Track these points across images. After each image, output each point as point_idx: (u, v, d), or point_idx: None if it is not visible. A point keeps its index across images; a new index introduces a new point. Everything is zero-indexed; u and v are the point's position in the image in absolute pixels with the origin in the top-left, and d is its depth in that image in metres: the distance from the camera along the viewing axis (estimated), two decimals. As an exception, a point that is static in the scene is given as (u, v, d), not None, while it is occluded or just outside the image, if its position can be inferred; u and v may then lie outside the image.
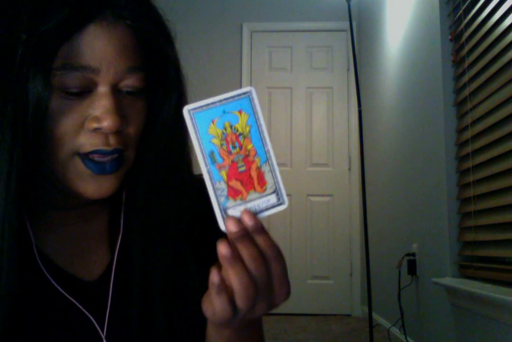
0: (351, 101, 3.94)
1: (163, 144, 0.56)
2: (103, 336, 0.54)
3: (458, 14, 2.03)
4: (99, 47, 0.48)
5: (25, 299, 0.52)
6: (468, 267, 1.90)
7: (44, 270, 0.54)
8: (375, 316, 3.13)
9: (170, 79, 0.56)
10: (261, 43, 4.08)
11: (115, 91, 0.51)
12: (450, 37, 2.09)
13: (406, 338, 2.44)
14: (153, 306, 0.55)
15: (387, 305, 2.95)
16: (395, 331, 2.64)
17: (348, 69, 3.98)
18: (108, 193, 0.52)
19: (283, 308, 3.21)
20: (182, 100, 0.57)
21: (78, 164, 0.50)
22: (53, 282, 0.54)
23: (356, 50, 2.86)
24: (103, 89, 0.50)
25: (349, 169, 3.90)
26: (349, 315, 3.72)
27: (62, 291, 0.54)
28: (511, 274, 1.59)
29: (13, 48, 0.46)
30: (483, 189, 1.79)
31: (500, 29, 1.68)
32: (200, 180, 0.67)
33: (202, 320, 0.58)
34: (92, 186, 0.51)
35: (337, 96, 4.00)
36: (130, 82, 0.51)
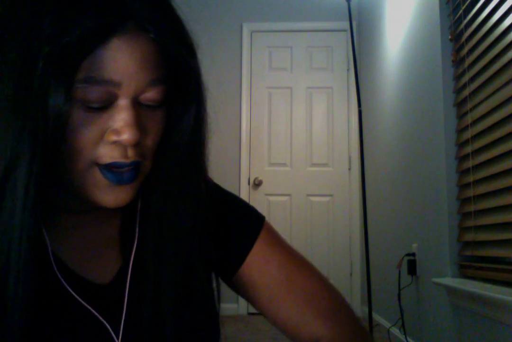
0: (351, 101, 3.94)
1: (180, 154, 0.56)
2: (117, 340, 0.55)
3: (458, 14, 2.03)
4: (121, 61, 0.48)
5: (39, 304, 0.52)
6: (468, 267, 1.90)
7: (59, 274, 0.55)
8: (375, 316, 3.13)
9: (191, 91, 0.55)
10: (261, 43, 4.08)
11: (135, 104, 0.51)
12: (450, 37, 2.09)
13: (406, 338, 2.44)
14: (165, 312, 0.56)
15: (387, 305, 2.95)
16: (395, 331, 2.64)
17: (348, 69, 3.98)
18: (124, 202, 0.53)
19: (283, 308, 3.07)
20: (201, 111, 0.58)
21: (97, 175, 0.51)
22: (68, 287, 0.54)
23: (356, 50, 2.86)
24: (123, 102, 0.50)
25: (349, 169, 3.90)
26: (349, 315, 3.71)
27: (76, 296, 0.54)
28: (511, 274, 1.59)
29: (34, 60, 0.45)
30: (483, 189, 1.79)
31: (500, 29, 1.68)
32: (215, 186, 0.69)
33: (211, 326, 0.59)
34: (109, 195, 0.52)
35: (337, 96, 4.00)
36: (151, 95, 0.51)
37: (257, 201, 3.89)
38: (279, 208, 3.89)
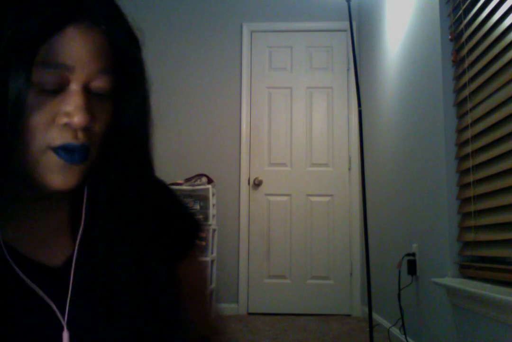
0: (351, 101, 3.94)
1: (126, 144, 0.60)
2: (63, 322, 0.56)
3: (458, 14, 2.03)
4: (75, 48, 0.52)
5: None
6: (468, 267, 1.90)
7: (8, 257, 0.57)
8: (375, 316, 3.13)
9: (136, 82, 0.59)
10: (261, 43, 4.08)
11: (86, 90, 0.55)
12: (450, 37, 2.09)
13: (406, 338, 2.44)
14: (115, 294, 0.58)
15: (387, 305, 2.95)
16: (395, 331, 2.64)
17: (348, 69, 3.98)
18: (72, 184, 0.56)
19: (283, 308, 3.24)
20: (146, 103, 0.61)
21: (49, 155, 0.54)
22: (15, 268, 0.56)
23: (356, 50, 2.86)
24: (75, 87, 0.53)
25: (349, 169, 3.90)
26: (349, 315, 3.72)
27: (23, 276, 0.56)
28: (511, 274, 1.59)
29: None
30: (483, 189, 1.79)
31: (500, 29, 1.68)
32: (164, 184, 0.72)
33: (164, 307, 0.62)
34: (59, 177, 0.55)
35: (337, 96, 4.00)
36: (100, 83, 0.55)
37: (257, 201, 3.89)
38: (279, 208, 3.89)
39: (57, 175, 0.55)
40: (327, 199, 3.90)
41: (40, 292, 0.56)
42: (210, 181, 3.59)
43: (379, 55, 3.33)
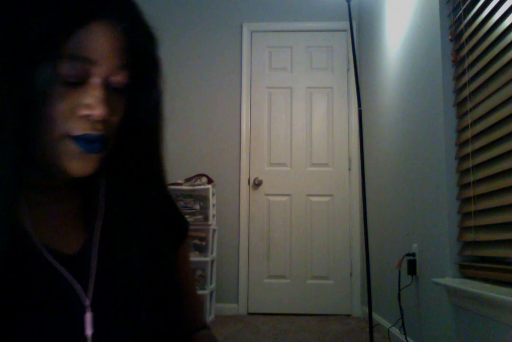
0: (351, 101, 3.94)
1: (139, 137, 0.63)
2: (86, 305, 0.58)
3: (458, 14, 2.03)
4: (98, 43, 0.55)
5: (10, 267, 0.55)
6: (468, 267, 1.90)
7: (36, 243, 0.58)
8: (375, 316, 3.13)
9: (152, 79, 0.62)
10: (261, 43, 4.08)
11: (106, 84, 0.57)
12: (450, 37, 2.09)
13: (406, 338, 2.44)
14: (133, 279, 0.61)
15: (387, 305, 2.95)
16: (395, 331, 2.64)
17: (348, 69, 3.98)
18: (89, 171, 0.59)
19: (283, 308, 3.23)
20: (159, 99, 0.64)
21: (69, 144, 0.57)
22: (44, 252, 0.58)
23: (356, 50, 2.86)
24: (97, 80, 0.56)
25: (349, 169, 3.90)
26: (349, 315, 3.72)
27: (52, 260, 0.58)
28: (511, 274, 1.59)
29: (27, 35, 0.52)
30: (483, 189, 1.79)
31: (500, 29, 1.68)
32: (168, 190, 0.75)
33: (173, 293, 0.65)
34: (78, 164, 0.58)
35: (337, 96, 4.00)
36: (119, 78, 0.58)
37: (257, 201, 3.89)
38: (279, 208, 3.89)
39: (76, 162, 0.57)
40: (327, 199, 3.90)
41: (69, 276, 0.58)
42: (210, 181, 3.59)
43: (379, 55, 3.33)
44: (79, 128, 0.56)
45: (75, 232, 0.63)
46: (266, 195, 3.90)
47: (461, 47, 2.00)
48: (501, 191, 1.69)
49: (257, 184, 3.88)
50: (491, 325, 1.60)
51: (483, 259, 1.89)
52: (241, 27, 4.07)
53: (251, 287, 3.81)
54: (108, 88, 0.58)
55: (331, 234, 3.85)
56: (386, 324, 2.89)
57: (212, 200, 3.51)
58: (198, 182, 3.55)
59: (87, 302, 0.58)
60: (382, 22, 3.26)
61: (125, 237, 0.63)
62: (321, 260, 3.82)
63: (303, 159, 3.93)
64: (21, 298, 0.55)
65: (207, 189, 3.49)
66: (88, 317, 0.57)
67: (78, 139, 0.56)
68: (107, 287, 0.60)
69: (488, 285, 1.69)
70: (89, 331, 0.56)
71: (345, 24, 3.77)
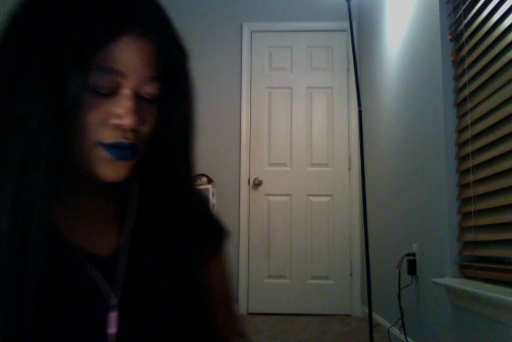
0: (351, 101, 3.94)
1: (172, 147, 0.65)
2: (111, 304, 0.61)
3: (458, 14, 2.03)
4: (128, 56, 0.58)
5: (45, 266, 0.58)
6: (468, 267, 1.90)
7: (68, 246, 0.62)
8: (375, 316, 3.13)
9: (182, 90, 0.65)
10: (261, 43, 4.08)
11: (136, 95, 0.60)
12: (450, 37, 2.09)
13: (406, 338, 2.44)
14: (160, 283, 0.63)
15: (387, 305, 2.95)
16: (395, 331, 2.64)
17: (348, 69, 3.98)
18: (120, 177, 0.61)
19: (283, 308, 3.23)
20: (191, 109, 0.67)
21: (101, 151, 0.59)
22: (76, 254, 0.61)
23: (356, 50, 2.86)
24: (127, 91, 0.59)
25: (349, 169, 3.90)
26: (349, 315, 3.72)
27: (82, 259, 0.61)
28: (511, 274, 1.59)
29: (61, 48, 0.55)
30: (483, 189, 1.79)
31: (500, 29, 1.68)
32: (201, 193, 0.77)
33: (200, 301, 0.67)
34: (110, 169, 0.60)
35: (337, 96, 4.00)
36: (149, 89, 0.61)
37: (257, 201, 3.89)
38: (279, 208, 3.89)
39: (107, 168, 0.60)
40: (327, 199, 3.90)
41: (98, 277, 0.61)
42: (210, 181, 3.59)
43: (379, 55, 3.33)
44: (110, 137, 0.59)
45: (110, 235, 0.66)
46: (266, 195, 3.90)
47: (461, 47, 2.00)
48: (501, 191, 1.69)
49: (257, 184, 3.88)
50: (491, 325, 1.60)
51: (483, 259, 1.89)
52: (241, 27, 4.07)
53: (251, 287, 3.81)
54: (139, 99, 0.60)
55: (331, 234, 3.85)
56: (386, 324, 2.89)
57: (212, 200, 3.51)
58: (198, 182, 3.55)
59: (112, 302, 0.61)
60: (382, 22, 3.26)
61: (155, 242, 0.65)
62: (321, 260, 3.82)
63: (303, 159, 3.93)
64: (51, 294, 0.58)
65: (207, 189, 3.49)
66: (113, 316, 0.60)
67: (109, 147, 0.59)
68: (134, 289, 0.63)
69: (488, 285, 1.69)
70: (112, 329, 0.60)
71: (345, 24, 3.77)
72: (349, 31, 3.83)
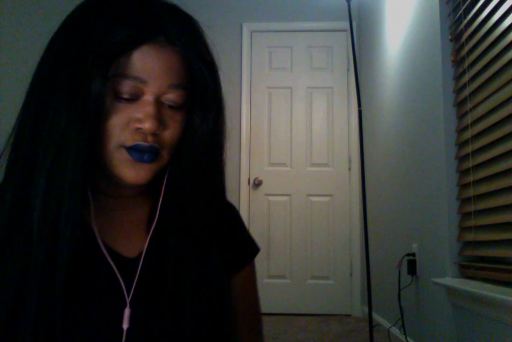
0: (351, 101, 3.94)
1: (200, 155, 0.67)
2: (127, 300, 0.64)
3: (458, 14, 2.03)
4: (149, 64, 0.60)
5: (78, 265, 0.61)
6: (468, 267, 1.90)
7: (101, 243, 0.65)
8: (375, 316, 3.13)
9: (208, 101, 0.66)
10: (261, 43, 4.08)
11: (158, 101, 0.62)
12: (450, 37, 2.09)
13: (406, 338, 2.44)
14: (180, 287, 0.65)
15: (387, 305, 2.95)
16: (395, 331, 2.64)
17: (348, 69, 3.98)
18: (142, 180, 0.64)
19: (283, 308, 3.23)
20: (218, 120, 0.68)
21: (123, 154, 0.62)
22: (104, 252, 0.65)
23: (356, 50, 2.86)
24: (148, 97, 0.62)
25: (349, 169, 3.90)
26: (349, 315, 3.72)
27: (108, 259, 0.65)
28: (511, 274, 1.59)
29: (84, 56, 0.58)
30: (483, 189, 1.79)
31: (500, 29, 1.68)
32: (232, 205, 0.79)
33: (222, 302, 0.69)
34: (131, 172, 0.63)
35: (337, 96, 4.00)
36: (171, 96, 0.63)
37: (257, 201, 3.89)
38: (279, 208, 3.89)
39: (129, 170, 0.63)
40: (327, 199, 3.90)
41: (120, 276, 0.64)
42: (210, 181, 3.59)
43: (379, 55, 3.33)
44: (131, 140, 0.62)
45: (139, 237, 0.69)
46: (266, 195, 3.90)
47: (461, 47, 2.00)
48: (501, 191, 1.69)
49: (257, 184, 3.88)
50: (491, 325, 1.60)
51: (483, 259, 1.89)
52: (241, 27, 4.07)
53: (251, 287, 3.81)
54: (161, 105, 0.63)
55: (331, 234, 3.85)
56: (386, 324, 2.89)
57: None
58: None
59: (128, 300, 0.64)
60: (382, 22, 3.26)
61: (176, 247, 0.67)
62: (321, 260, 3.82)
63: (303, 159, 3.93)
64: (75, 288, 0.61)
65: (207, 189, 3.49)
66: (127, 312, 0.63)
67: (130, 149, 0.62)
68: (150, 289, 0.66)
69: (488, 285, 1.69)
70: (125, 325, 0.63)
71: (345, 24, 3.77)
72: (349, 31, 3.83)
